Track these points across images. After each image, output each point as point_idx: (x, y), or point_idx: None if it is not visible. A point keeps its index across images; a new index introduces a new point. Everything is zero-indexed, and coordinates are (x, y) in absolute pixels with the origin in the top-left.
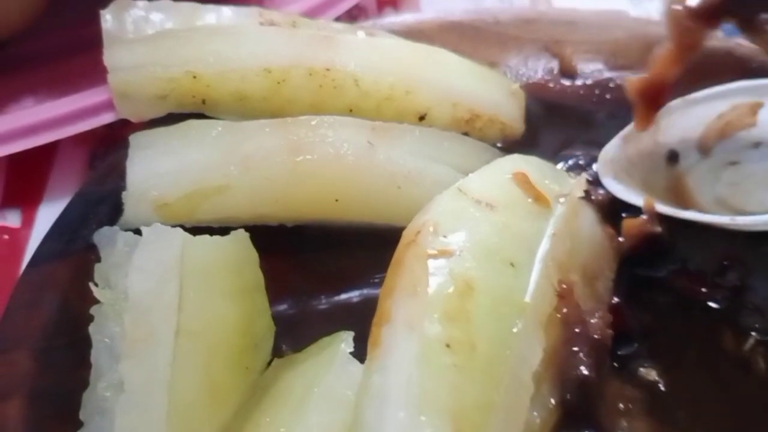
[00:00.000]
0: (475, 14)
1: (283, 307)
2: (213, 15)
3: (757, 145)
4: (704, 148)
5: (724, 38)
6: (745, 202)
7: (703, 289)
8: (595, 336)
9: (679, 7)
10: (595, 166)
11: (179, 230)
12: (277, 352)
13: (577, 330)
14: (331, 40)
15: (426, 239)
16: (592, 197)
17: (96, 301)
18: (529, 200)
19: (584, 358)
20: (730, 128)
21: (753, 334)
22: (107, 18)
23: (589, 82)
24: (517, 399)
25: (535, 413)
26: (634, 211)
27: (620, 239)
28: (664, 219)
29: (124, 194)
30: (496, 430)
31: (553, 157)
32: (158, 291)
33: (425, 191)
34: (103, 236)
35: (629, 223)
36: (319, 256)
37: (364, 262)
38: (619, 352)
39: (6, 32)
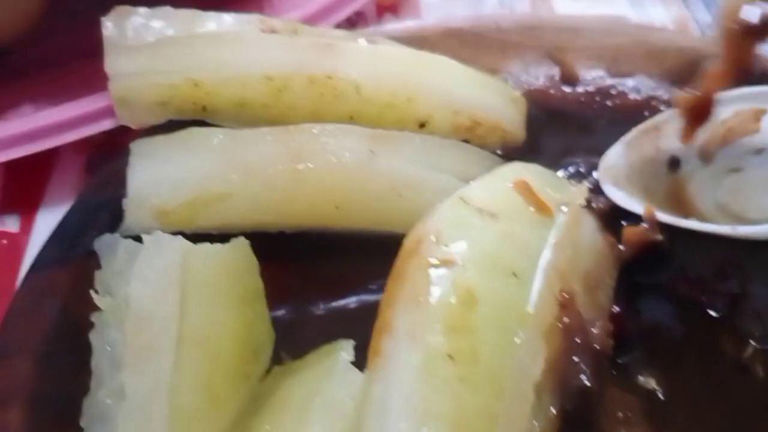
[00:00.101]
0: (477, 21)
1: (282, 313)
2: (214, 22)
3: (759, 151)
4: (706, 154)
5: None
6: (746, 208)
7: (703, 296)
8: (596, 346)
9: (735, 26)
10: (595, 174)
11: (180, 238)
12: (276, 360)
13: (577, 340)
14: (332, 47)
15: (428, 249)
16: (593, 205)
17: (97, 308)
18: (531, 209)
19: (585, 368)
20: (733, 135)
21: (751, 342)
22: (108, 25)
23: (590, 89)
24: (518, 409)
25: (535, 423)
26: (634, 218)
27: (620, 247)
28: (664, 226)
29: (124, 201)
30: None
31: (554, 164)
32: (159, 299)
33: (426, 199)
34: (103, 243)
35: (630, 232)
36: (319, 263)
37: (364, 269)
38: (618, 360)
39: (5, 39)
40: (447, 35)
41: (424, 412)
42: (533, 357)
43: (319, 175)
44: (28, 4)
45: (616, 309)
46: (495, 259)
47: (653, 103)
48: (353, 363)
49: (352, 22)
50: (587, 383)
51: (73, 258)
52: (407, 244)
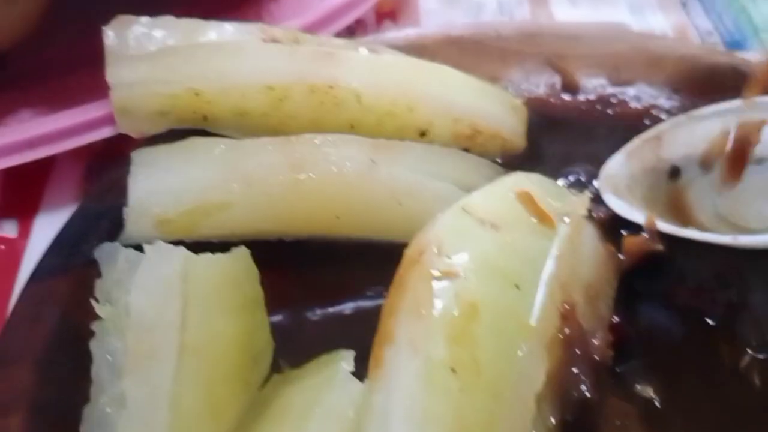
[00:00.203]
0: (477, 28)
1: (281, 321)
2: (215, 31)
3: (760, 161)
4: (706, 163)
5: (730, 54)
6: (745, 217)
7: (702, 305)
8: (596, 357)
9: None
10: (596, 182)
11: (182, 249)
12: (274, 367)
13: (578, 351)
14: (333, 56)
15: (430, 259)
16: (594, 214)
17: (97, 316)
18: (533, 220)
19: (584, 379)
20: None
21: (750, 351)
22: (110, 34)
23: (591, 97)
24: (519, 420)
25: None
26: (634, 227)
27: (620, 256)
28: (664, 236)
29: (125, 210)
30: None
31: (554, 172)
32: (161, 308)
33: (426, 207)
34: (104, 252)
35: (630, 241)
36: (318, 270)
37: (363, 276)
38: (617, 368)
39: (3, 44)
40: (447, 43)
41: (425, 422)
42: (535, 368)
43: (320, 184)
44: (25, 9)
45: (615, 319)
46: (497, 270)
47: (654, 111)
48: (352, 372)
49: (351, 29)
50: (587, 394)
51: (74, 266)
52: (409, 254)
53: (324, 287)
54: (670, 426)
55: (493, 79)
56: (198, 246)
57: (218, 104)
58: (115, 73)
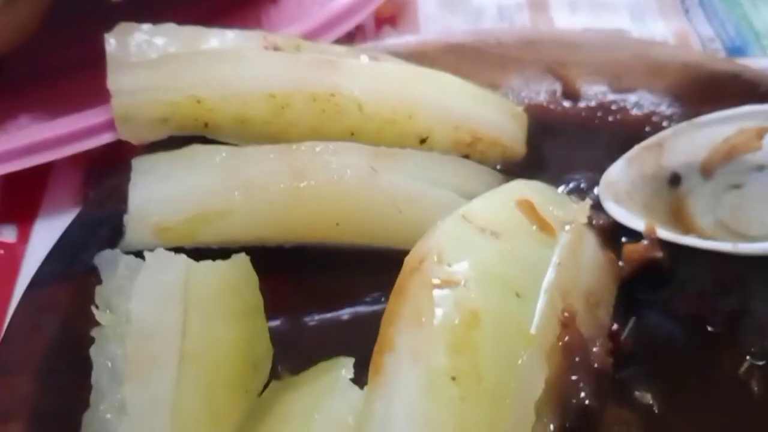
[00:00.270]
0: (478, 35)
1: (280, 327)
2: (216, 39)
3: (761, 168)
4: (707, 170)
5: (731, 61)
6: (746, 225)
7: (702, 313)
8: (596, 365)
9: None
10: (596, 190)
11: (183, 256)
12: (273, 374)
13: (578, 359)
14: (334, 64)
15: (430, 268)
16: (594, 222)
17: (97, 323)
18: (534, 228)
19: (584, 386)
20: (735, 152)
21: (750, 358)
22: (111, 42)
23: (591, 104)
24: (520, 429)
25: None
26: (634, 235)
27: (620, 264)
28: (664, 243)
29: (125, 217)
30: None
31: (554, 179)
32: (161, 316)
33: (426, 214)
34: (104, 259)
35: (630, 249)
36: (317, 277)
37: (363, 282)
38: (617, 376)
39: (1, 50)
40: (447, 50)
41: (425, 429)
42: (535, 376)
43: (320, 192)
44: (24, 15)
45: (615, 327)
46: (497, 278)
47: (654, 118)
48: (352, 379)
49: (350, 35)
50: (587, 401)
51: (74, 273)
52: (409, 262)
53: (323, 294)
54: None
55: (494, 86)
56: (197, 252)
57: (220, 112)
58: (116, 80)
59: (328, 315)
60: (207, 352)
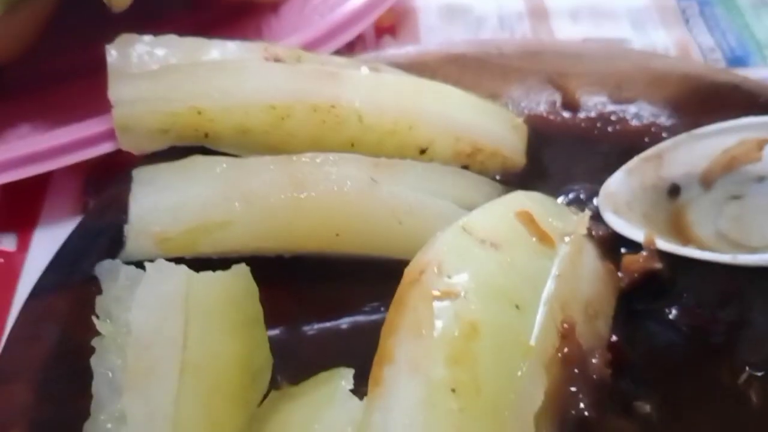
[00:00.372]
0: (479, 46)
1: (279, 337)
2: (217, 50)
3: (761, 179)
4: (707, 181)
5: (731, 72)
6: (746, 236)
7: (702, 324)
8: (595, 376)
9: None
10: (596, 200)
11: (183, 267)
12: (273, 384)
13: (577, 370)
14: (335, 76)
15: (430, 279)
16: (593, 233)
17: (97, 333)
18: (534, 239)
19: (584, 398)
20: (736, 163)
21: (749, 369)
22: (112, 53)
23: (591, 115)
24: None
25: None
26: (634, 246)
27: (620, 274)
28: (664, 254)
29: (126, 227)
30: None
31: (554, 190)
32: (162, 326)
33: (426, 225)
34: (104, 269)
35: (629, 260)
36: (317, 287)
37: (362, 292)
38: (616, 387)
39: (1, 58)
40: (448, 60)
41: None
42: (534, 387)
43: (320, 203)
44: (25, 23)
45: (614, 338)
46: (497, 290)
47: (654, 129)
48: (351, 389)
49: (351, 44)
50: (586, 412)
51: (74, 283)
52: (409, 273)
53: (323, 304)
54: None
55: (494, 97)
56: (198, 263)
57: (220, 122)
58: (117, 91)
59: (328, 325)
60: (207, 363)
